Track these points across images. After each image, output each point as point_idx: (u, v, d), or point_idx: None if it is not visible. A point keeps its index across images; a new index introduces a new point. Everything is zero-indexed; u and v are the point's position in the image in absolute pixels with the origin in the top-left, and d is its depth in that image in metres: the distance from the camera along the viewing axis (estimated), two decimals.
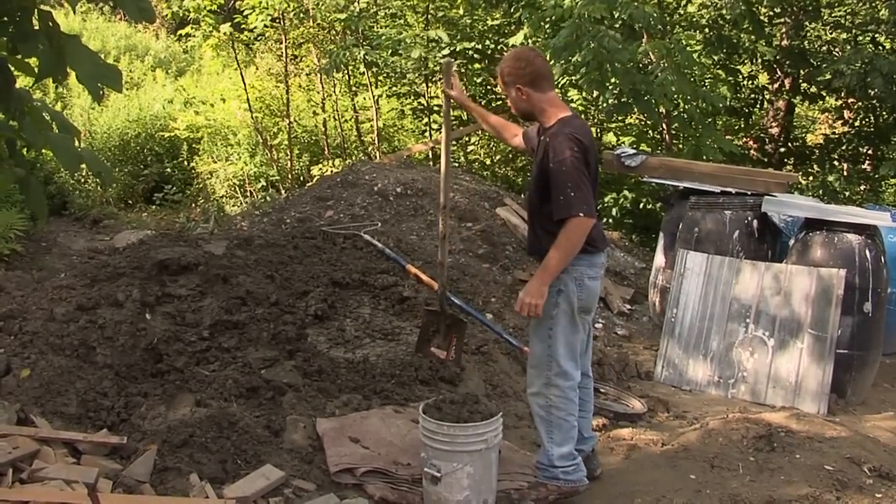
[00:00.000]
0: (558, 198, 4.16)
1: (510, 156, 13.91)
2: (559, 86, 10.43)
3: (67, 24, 18.05)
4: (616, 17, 9.44)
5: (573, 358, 4.46)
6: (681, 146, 10.70)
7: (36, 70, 2.78)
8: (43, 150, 3.01)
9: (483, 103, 13.56)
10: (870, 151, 12.31)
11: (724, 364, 6.52)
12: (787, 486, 4.57)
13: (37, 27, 2.72)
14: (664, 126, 10.89)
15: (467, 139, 13.70)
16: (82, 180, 12.89)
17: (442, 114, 5.31)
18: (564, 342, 4.41)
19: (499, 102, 13.44)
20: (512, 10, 11.86)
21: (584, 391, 4.73)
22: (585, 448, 4.74)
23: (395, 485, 4.46)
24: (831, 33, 12.78)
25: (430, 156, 12.98)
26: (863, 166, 12.54)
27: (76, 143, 3.11)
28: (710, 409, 6.05)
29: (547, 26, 10.00)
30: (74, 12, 19.83)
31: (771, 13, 12.26)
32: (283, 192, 12.68)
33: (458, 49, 12.27)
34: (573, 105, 12.18)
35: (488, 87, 13.66)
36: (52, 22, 2.71)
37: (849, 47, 11.47)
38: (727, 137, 11.04)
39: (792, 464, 4.82)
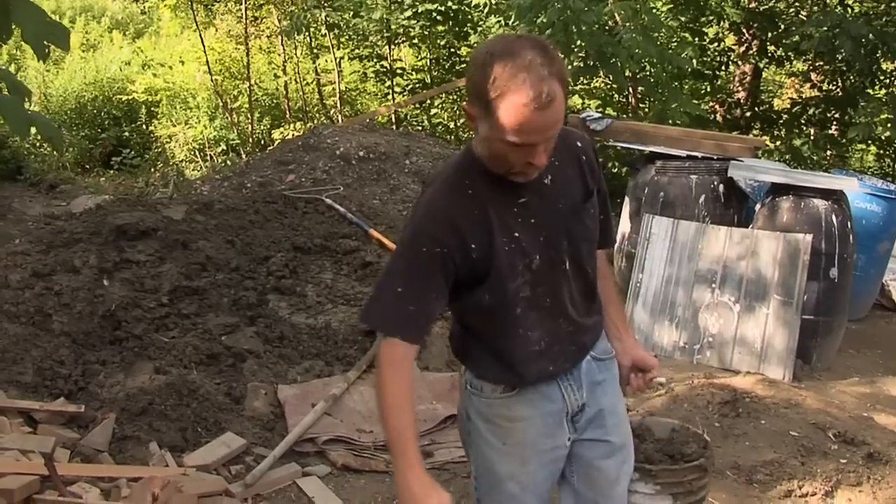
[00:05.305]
0: (608, 222, 3.40)
1: None
2: None
3: None
4: None
5: None
6: (647, 110, 10.66)
7: None
8: None
9: (447, 66, 13.46)
10: (837, 116, 12.31)
11: (689, 329, 6.50)
12: (752, 452, 4.57)
13: None
14: (630, 90, 10.84)
15: (430, 102, 13.58)
16: (37, 144, 12.65)
17: None
18: None
19: (463, 65, 13.31)
20: None
21: None
22: None
23: (358, 451, 4.44)
24: None
25: (393, 119, 12.87)
26: (830, 131, 12.55)
27: (26, 106, 3.00)
28: (676, 374, 6.02)
29: None
30: None
31: None
32: (243, 155, 12.55)
33: (420, 10, 12.10)
34: None
35: (452, 50, 13.52)
36: None
37: (816, 9, 11.43)
38: (693, 101, 11.00)
39: (757, 430, 4.83)
